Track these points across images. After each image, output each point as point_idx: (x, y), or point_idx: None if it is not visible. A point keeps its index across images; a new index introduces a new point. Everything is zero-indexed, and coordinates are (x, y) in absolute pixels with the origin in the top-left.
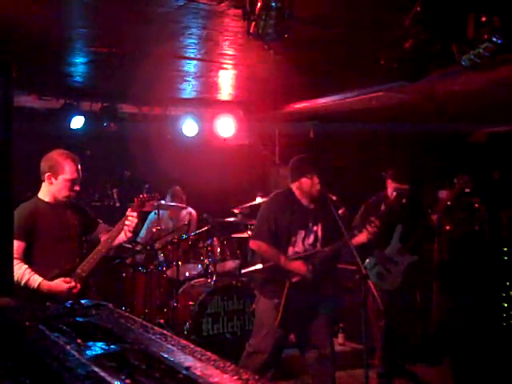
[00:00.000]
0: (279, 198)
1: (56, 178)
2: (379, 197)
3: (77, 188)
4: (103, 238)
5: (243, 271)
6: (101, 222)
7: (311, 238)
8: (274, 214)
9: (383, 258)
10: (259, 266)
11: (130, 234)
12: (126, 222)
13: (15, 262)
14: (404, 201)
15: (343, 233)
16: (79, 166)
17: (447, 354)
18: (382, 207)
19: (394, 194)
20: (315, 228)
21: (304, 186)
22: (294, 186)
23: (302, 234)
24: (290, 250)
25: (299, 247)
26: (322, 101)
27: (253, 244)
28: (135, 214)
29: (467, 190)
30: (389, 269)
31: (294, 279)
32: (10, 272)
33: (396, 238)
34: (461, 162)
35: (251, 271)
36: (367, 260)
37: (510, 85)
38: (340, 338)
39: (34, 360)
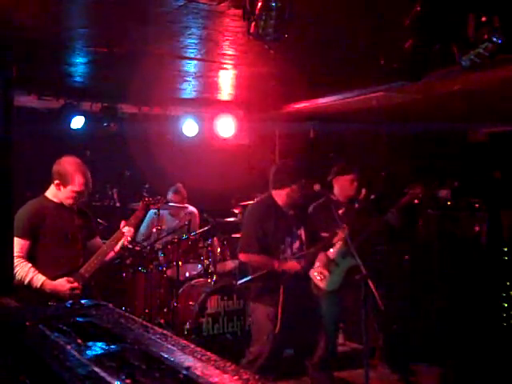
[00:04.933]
0: (261, 206)
1: (65, 187)
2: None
3: (84, 199)
4: (99, 243)
5: (239, 282)
6: (98, 237)
7: (297, 243)
8: (259, 223)
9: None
10: (249, 277)
11: (117, 248)
12: (122, 236)
13: (19, 260)
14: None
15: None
16: (89, 177)
17: (448, 353)
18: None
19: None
20: (299, 232)
21: (293, 193)
22: (277, 193)
23: (288, 240)
24: (280, 258)
25: (288, 253)
26: (321, 101)
27: (243, 257)
28: (132, 228)
29: (416, 202)
30: (330, 270)
31: (287, 280)
32: (10, 272)
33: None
34: (461, 161)
35: (246, 282)
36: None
37: (510, 85)
38: (340, 338)
39: (34, 360)
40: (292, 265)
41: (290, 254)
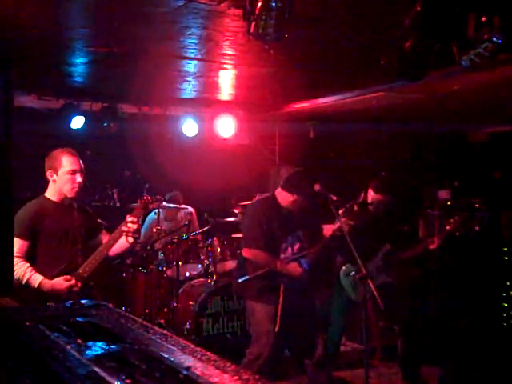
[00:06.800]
0: (265, 204)
1: (57, 174)
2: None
3: (80, 179)
4: (105, 239)
5: (240, 280)
6: (104, 229)
7: (298, 243)
8: (263, 220)
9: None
10: (247, 277)
11: (131, 240)
12: (124, 228)
13: (18, 260)
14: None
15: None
16: (78, 158)
17: (448, 354)
18: (355, 207)
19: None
20: (299, 232)
21: (301, 202)
22: (284, 194)
23: (289, 239)
24: (281, 257)
25: (288, 252)
26: (321, 101)
27: (248, 252)
28: (135, 219)
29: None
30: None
31: (288, 279)
32: (10, 272)
33: (380, 255)
34: (461, 161)
35: (247, 280)
36: (344, 266)
37: (510, 85)
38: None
39: (34, 360)
40: (294, 268)
41: (290, 253)
